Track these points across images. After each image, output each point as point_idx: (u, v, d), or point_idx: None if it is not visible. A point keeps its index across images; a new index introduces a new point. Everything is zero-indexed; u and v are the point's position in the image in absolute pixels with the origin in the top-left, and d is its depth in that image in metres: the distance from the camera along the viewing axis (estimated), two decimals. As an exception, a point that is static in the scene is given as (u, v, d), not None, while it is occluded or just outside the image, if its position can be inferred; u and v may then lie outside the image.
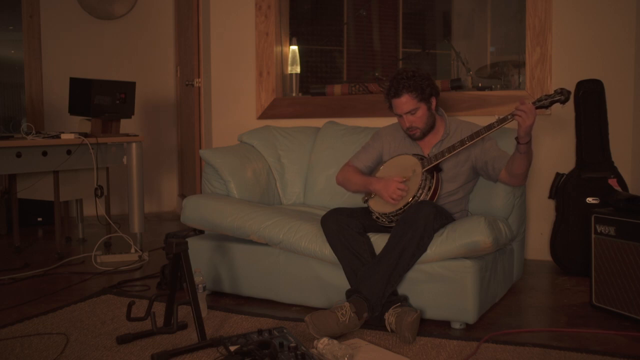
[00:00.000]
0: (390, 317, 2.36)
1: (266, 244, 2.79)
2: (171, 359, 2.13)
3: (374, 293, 2.39)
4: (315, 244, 2.64)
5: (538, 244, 3.60)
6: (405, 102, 2.66)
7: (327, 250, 2.60)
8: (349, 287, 2.55)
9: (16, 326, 2.49)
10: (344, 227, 2.55)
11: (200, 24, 4.47)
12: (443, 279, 2.45)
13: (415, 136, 2.74)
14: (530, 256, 3.61)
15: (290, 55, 4.53)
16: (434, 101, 2.74)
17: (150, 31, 5.29)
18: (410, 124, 2.70)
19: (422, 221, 2.42)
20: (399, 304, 2.41)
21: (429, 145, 2.78)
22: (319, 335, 2.23)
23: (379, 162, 2.88)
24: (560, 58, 3.55)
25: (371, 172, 2.89)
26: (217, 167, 3.11)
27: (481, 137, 2.55)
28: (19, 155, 3.42)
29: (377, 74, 5.51)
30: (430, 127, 2.74)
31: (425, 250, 2.45)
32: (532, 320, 2.60)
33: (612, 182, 3.24)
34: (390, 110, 2.76)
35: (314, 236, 2.66)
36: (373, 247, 2.55)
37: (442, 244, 2.44)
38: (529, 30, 3.58)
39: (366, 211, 2.75)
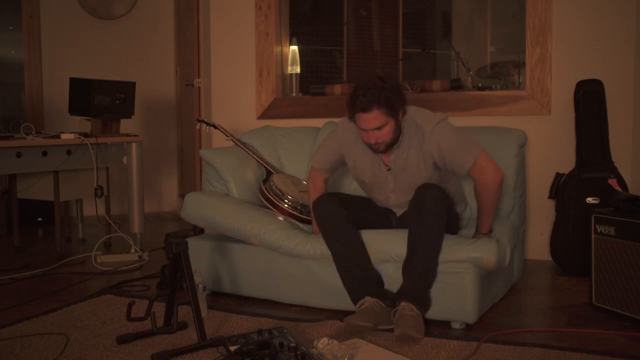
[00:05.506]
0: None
1: (266, 244, 2.79)
2: (171, 359, 2.13)
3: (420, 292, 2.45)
4: (313, 246, 2.65)
5: (538, 244, 3.60)
6: (373, 117, 2.41)
7: (327, 252, 2.61)
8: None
9: (16, 326, 2.49)
10: (333, 215, 2.55)
11: (200, 24, 4.47)
12: (443, 279, 2.45)
13: (379, 150, 2.52)
14: (530, 256, 3.61)
15: (290, 55, 4.53)
16: (401, 113, 2.50)
17: (150, 31, 5.28)
18: (375, 140, 2.47)
19: (431, 206, 2.40)
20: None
21: (388, 153, 2.59)
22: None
23: (341, 163, 2.76)
24: (560, 58, 3.55)
25: (333, 171, 2.84)
26: (217, 167, 3.11)
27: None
28: (19, 155, 3.42)
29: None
30: (395, 140, 2.52)
31: (444, 226, 2.45)
32: (532, 320, 2.60)
33: (612, 182, 3.24)
34: (350, 120, 2.54)
35: (313, 240, 2.67)
36: (360, 235, 2.57)
37: (449, 250, 2.44)
38: (529, 30, 3.58)
39: (363, 202, 2.75)
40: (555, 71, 3.56)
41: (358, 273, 2.53)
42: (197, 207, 2.96)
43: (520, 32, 3.78)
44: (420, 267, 2.42)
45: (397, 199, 2.68)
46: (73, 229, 4.46)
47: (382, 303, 2.44)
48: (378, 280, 2.55)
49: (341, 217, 2.55)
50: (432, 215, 2.40)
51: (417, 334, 2.26)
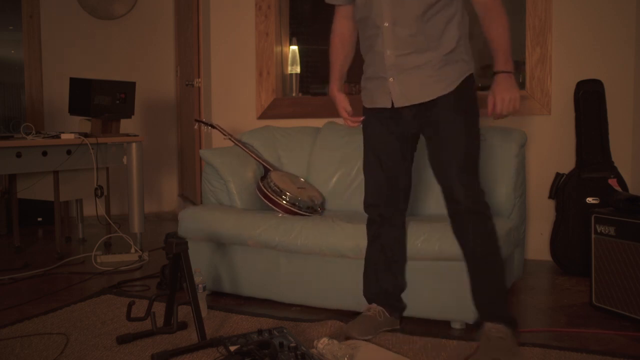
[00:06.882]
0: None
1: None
2: (171, 359, 2.13)
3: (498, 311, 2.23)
4: (311, 239, 2.66)
5: (538, 244, 3.60)
6: None
7: (324, 245, 2.62)
8: (348, 286, 2.56)
9: (16, 326, 2.49)
10: (384, 229, 2.42)
11: (200, 24, 4.47)
12: (443, 279, 2.45)
13: None
14: (530, 256, 3.61)
15: (290, 55, 4.54)
16: None
17: (150, 31, 5.29)
18: None
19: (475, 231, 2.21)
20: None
21: None
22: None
23: None
24: (560, 58, 3.55)
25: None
26: (217, 167, 3.12)
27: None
28: (19, 155, 3.42)
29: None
30: None
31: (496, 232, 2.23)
32: (532, 320, 2.60)
33: (612, 182, 3.24)
34: None
35: (308, 232, 2.68)
36: (401, 246, 2.45)
37: (451, 245, 2.40)
38: (529, 30, 3.58)
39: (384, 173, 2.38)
40: (555, 71, 3.56)
41: (376, 279, 2.45)
42: (193, 223, 2.95)
43: (520, 32, 3.78)
44: (488, 286, 2.22)
45: (392, 41, 2.18)
46: (73, 229, 4.46)
47: (387, 314, 2.40)
48: (396, 291, 2.45)
49: (390, 231, 2.41)
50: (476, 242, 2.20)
51: (511, 358, 2.05)
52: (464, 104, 2.19)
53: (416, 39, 2.15)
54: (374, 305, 2.43)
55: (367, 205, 2.44)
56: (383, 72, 2.23)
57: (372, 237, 2.45)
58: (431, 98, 2.18)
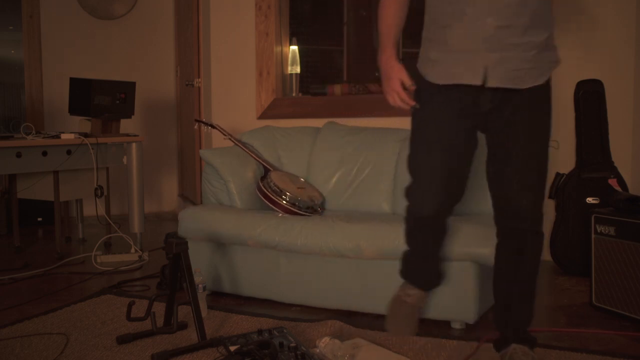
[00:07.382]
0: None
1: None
2: (171, 359, 2.13)
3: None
4: (311, 239, 2.66)
5: (538, 244, 3.60)
6: None
7: (324, 245, 2.62)
8: (348, 286, 2.56)
9: (16, 326, 2.49)
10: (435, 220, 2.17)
11: (200, 24, 4.48)
12: (443, 279, 2.45)
13: None
14: (530, 256, 3.60)
15: (290, 55, 4.54)
16: None
17: (150, 31, 5.29)
18: None
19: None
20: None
21: None
22: None
23: None
24: (561, 58, 3.54)
25: None
26: (217, 167, 3.12)
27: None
28: (19, 155, 3.42)
29: (377, 74, 5.51)
30: None
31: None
32: (533, 320, 2.60)
33: (612, 182, 3.24)
34: None
35: (308, 231, 2.68)
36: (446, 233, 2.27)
37: (452, 243, 2.39)
38: (529, 30, 3.58)
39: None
40: (555, 71, 3.54)
41: (428, 265, 2.28)
42: (193, 223, 2.95)
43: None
44: (527, 308, 2.06)
45: (495, 7, 1.85)
46: (73, 229, 4.46)
47: (425, 296, 2.30)
48: (441, 275, 2.32)
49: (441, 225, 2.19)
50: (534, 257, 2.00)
51: None
52: (549, 103, 1.97)
53: (523, 10, 1.84)
54: (415, 290, 2.26)
55: (418, 217, 2.14)
56: (475, 43, 1.87)
57: (418, 237, 2.23)
58: (525, 86, 1.92)
